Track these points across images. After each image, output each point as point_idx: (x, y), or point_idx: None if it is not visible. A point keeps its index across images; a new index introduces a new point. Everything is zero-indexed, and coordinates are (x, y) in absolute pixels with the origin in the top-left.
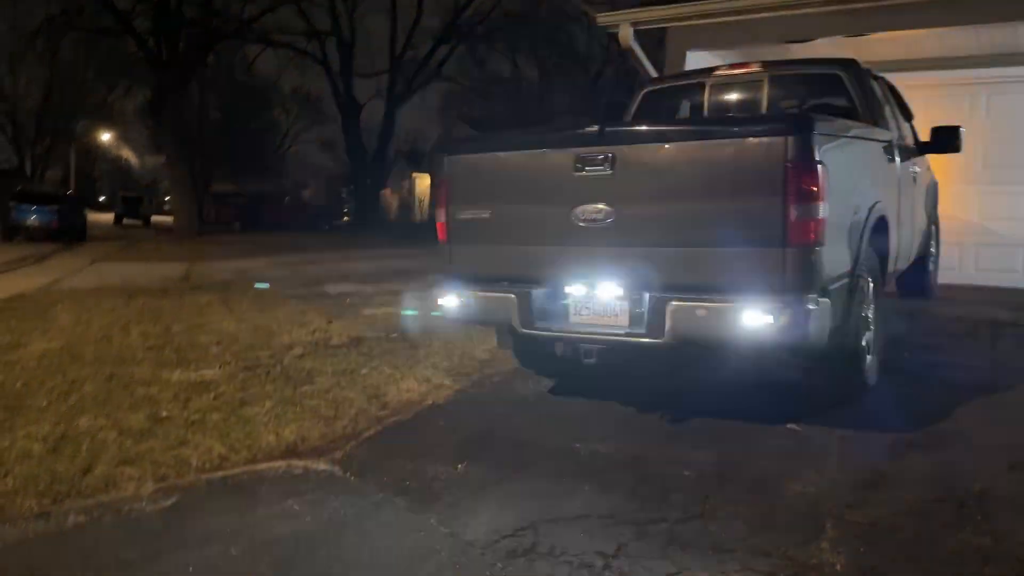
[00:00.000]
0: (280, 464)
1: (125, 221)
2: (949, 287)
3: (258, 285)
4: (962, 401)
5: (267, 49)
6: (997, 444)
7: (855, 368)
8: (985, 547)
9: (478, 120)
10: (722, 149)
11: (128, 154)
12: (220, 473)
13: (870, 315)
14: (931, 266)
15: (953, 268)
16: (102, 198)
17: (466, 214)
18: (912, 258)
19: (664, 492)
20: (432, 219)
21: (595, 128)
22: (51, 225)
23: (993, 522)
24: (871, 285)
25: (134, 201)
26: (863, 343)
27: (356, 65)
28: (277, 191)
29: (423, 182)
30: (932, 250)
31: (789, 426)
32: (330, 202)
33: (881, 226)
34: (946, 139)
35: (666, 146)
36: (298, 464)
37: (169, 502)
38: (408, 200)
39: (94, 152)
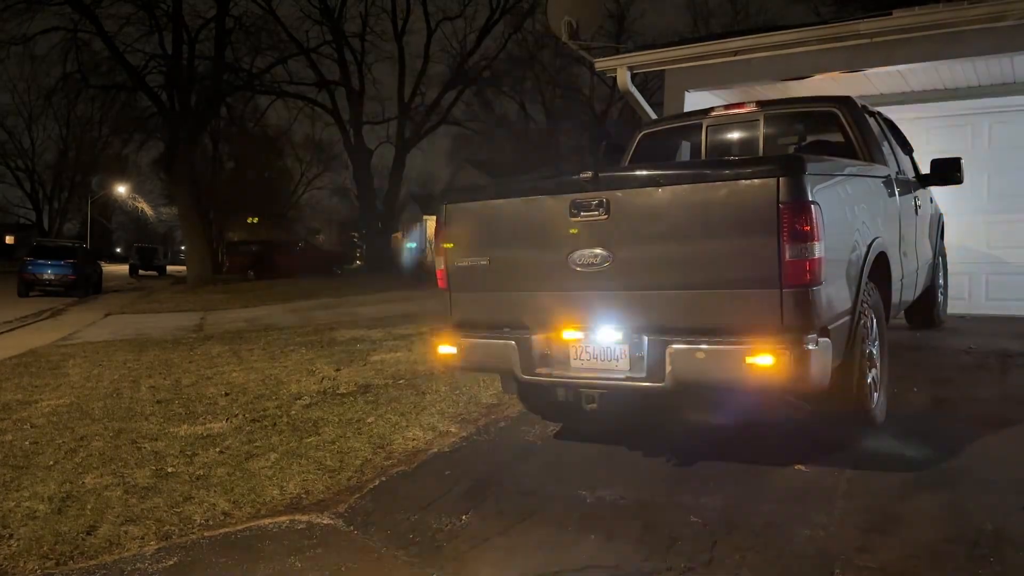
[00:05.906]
0: (283, 519)
1: (140, 272)
2: (960, 317)
3: None
4: (972, 437)
5: (278, 99)
6: (1009, 481)
7: (861, 406)
8: None
9: (486, 162)
10: (715, 191)
11: (143, 205)
12: (223, 530)
13: (875, 351)
14: (940, 297)
15: (964, 298)
16: (118, 249)
17: (465, 261)
18: (919, 290)
19: (671, 540)
20: None
21: (589, 174)
22: (66, 279)
23: (1007, 563)
24: (875, 321)
25: (149, 252)
26: (869, 380)
27: (366, 112)
28: (290, 238)
29: (434, 226)
30: (940, 281)
31: (796, 468)
32: (343, 247)
33: (882, 261)
34: (947, 171)
35: (660, 190)
36: (301, 519)
37: (171, 562)
38: (419, 243)
39: (110, 205)
